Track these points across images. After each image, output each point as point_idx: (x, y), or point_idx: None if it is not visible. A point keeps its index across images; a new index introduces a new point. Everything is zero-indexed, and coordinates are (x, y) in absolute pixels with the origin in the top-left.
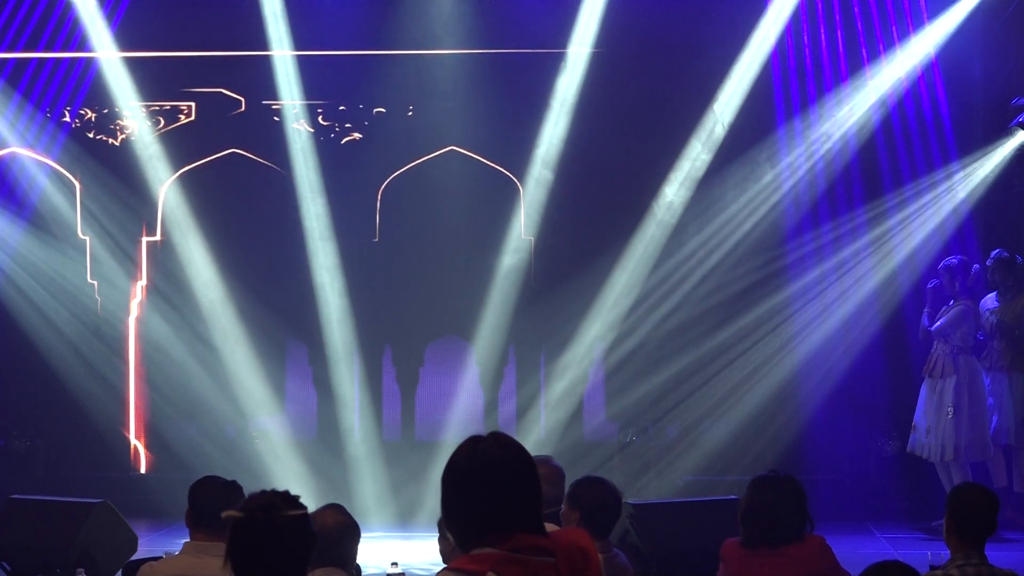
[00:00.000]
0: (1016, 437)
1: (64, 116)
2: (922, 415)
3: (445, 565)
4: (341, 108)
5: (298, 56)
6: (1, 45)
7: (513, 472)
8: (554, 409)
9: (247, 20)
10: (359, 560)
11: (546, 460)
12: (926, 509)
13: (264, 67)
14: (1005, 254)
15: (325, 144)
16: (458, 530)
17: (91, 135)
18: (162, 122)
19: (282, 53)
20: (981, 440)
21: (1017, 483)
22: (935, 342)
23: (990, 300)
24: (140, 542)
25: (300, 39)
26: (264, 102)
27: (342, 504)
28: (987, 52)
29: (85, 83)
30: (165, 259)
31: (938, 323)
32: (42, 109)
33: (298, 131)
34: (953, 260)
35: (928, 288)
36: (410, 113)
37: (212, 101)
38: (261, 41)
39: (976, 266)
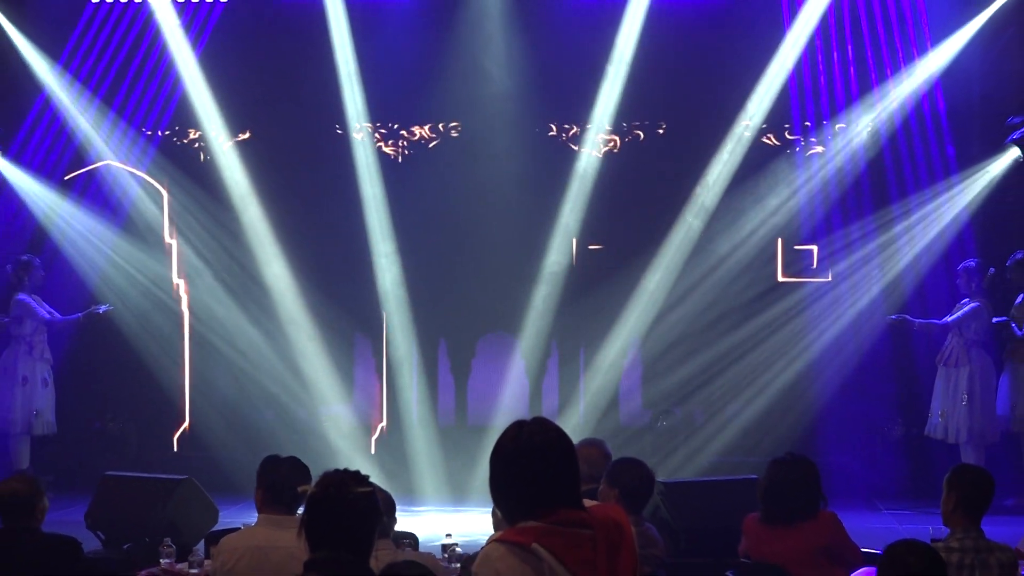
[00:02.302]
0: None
1: (154, 131)
2: (938, 402)
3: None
4: (401, 126)
5: (362, 76)
6: (98, 67)
7: (555, 453)
8: (592, 397)
9: (316, 44)
10: (415, 530)
11: (599, 443)
12: (928, 488)
13: (331, 87)
14: (1020, 255)
15: (386, 159)
16: (505, 506)
17: (177, 148)
18: (242, 137)
19: (347, 74)
20: (990, 425)
21: None
22: (950, 335)
23: None
24: (220, 515)
25: (364, 62)
26: (330, 119)
27: (400, 481)
28: (985, 75)
29: (172, 101)
30: (241, 257)
31: (956, 316)
32: (134, 125)
33: (362, 146)
34: (971, 263)
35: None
36: (460, 131)
37: (283, 119)
38: (330, 65)
39: (992, 269)
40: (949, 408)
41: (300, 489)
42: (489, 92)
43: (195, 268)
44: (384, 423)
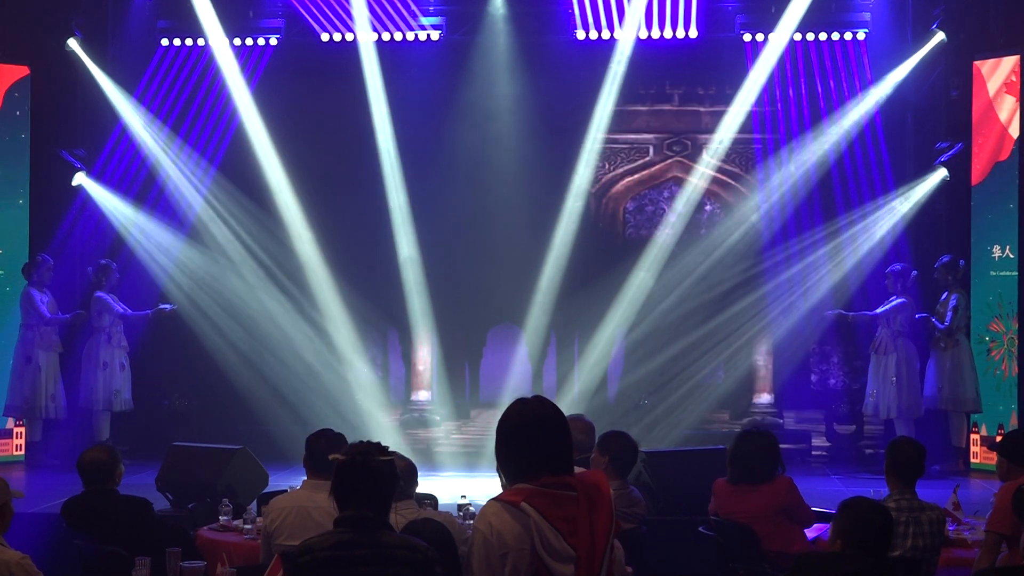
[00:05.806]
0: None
1: (214, 154)
2: (871, 384)
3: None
4: (425, 151)
5: (390, 104)
6: (167, 100)
7: (554, 424)
8: (585, 378)
9: (351, 79)
10: (435, 492)
11: (580, 417)
12: (868, 456)
13: (364, 114)
14: (945, 259)
15: (412, 177)
16: (505, 470)
17: (233, 168)
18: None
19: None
20: (916, 403)
21: (955, 438)
22: (879, 327)
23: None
24: (270, 479)
25: (391, 92)
26: (362, 142)
27: (423, 449)
28: (917, 107)
29: (230, 129)
30: (288, 262)
31: (884, 309)
32: (197, 149)
33: (390, 165)
34: (897, 266)
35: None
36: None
37: (323, 143)
38: (363, 95)
39: (914, 272)
40: (880, 389)
41: (331, 457)
42: (496, 122)
43: (249, 268)
44: (408, 400)
